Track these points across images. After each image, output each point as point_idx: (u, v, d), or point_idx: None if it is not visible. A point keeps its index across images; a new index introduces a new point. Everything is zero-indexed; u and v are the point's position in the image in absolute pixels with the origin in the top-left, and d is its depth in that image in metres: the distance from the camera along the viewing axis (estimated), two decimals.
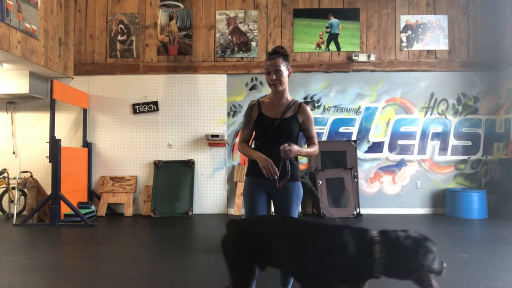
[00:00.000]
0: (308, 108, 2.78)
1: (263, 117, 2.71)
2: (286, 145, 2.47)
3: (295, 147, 2.50)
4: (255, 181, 2.69)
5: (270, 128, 2.67)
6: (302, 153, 2.60)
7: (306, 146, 2.78)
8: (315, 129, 2.81)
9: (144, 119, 7.53)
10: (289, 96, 2.79)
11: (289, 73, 2.74)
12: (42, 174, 7.16)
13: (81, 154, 7.24)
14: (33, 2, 6.14)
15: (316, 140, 2.75)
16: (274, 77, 2.65)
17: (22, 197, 7.00)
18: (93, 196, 7.42)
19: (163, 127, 7.51)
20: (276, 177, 2.50)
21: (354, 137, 7.47)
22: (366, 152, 7.48)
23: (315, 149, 2.70)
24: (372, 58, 7.35)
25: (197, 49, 7.59)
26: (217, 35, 7.58)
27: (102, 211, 7.19)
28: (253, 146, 2.79)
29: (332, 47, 7.54)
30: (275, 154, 2.53)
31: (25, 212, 6.78)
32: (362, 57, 7.40)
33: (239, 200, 7.22)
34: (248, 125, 2.77)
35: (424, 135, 7.49)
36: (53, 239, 5.35)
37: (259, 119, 2.72)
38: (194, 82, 7.52)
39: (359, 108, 7.51)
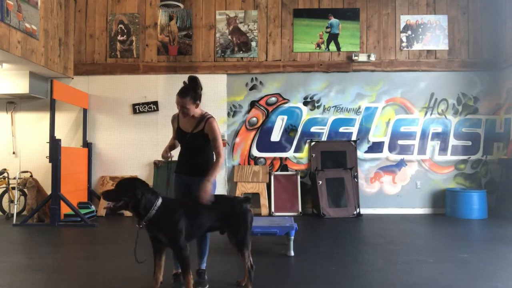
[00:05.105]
0: (214, 123, 3.24)
1: (180, 130, 3.34)
2: (204, 197, 2.98)
3: (208, 186, 3.00)
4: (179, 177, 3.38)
5: (184, 140, 3.30)
6: (213, 177, 3.08)
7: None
8: (221, 141, 3.25)
9: (144, 119, 7.53)
10: (197, 113, 3.26)
11: (197, 105, 3.23)
12: (42, 174, 7.15)
13: (81, 154, 7.24)
14: (33, 2, 6.14)
15: (218, 150, 3.20)
16: (183, 111, 3.19)
17: (22, 197, 6.99)
18: (93, 196, 7.42)
19: (163, 127, 7.50)
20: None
21: (354, 137, 7.47)
22: (366, 152, 7.48)
23: (218, 163, 3.17)
24: (372, 58, 7.35)
25: (197, 49, 7.59)
26: (217, 35, 7.58)
27: (102, 211, 7.19)
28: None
29: (332, 47, 7.54)
30: (186, 158, 3.32)
31: (25, 212, 6.78)
32: (362, 57, 7.39)
33: None
34: (173, 132, 3.46)
35: (424, 135, 7.49)
36: (53, 239, 5.35)
37: (178, 131, 3.36)
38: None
39: (359, 108, 7.51)
